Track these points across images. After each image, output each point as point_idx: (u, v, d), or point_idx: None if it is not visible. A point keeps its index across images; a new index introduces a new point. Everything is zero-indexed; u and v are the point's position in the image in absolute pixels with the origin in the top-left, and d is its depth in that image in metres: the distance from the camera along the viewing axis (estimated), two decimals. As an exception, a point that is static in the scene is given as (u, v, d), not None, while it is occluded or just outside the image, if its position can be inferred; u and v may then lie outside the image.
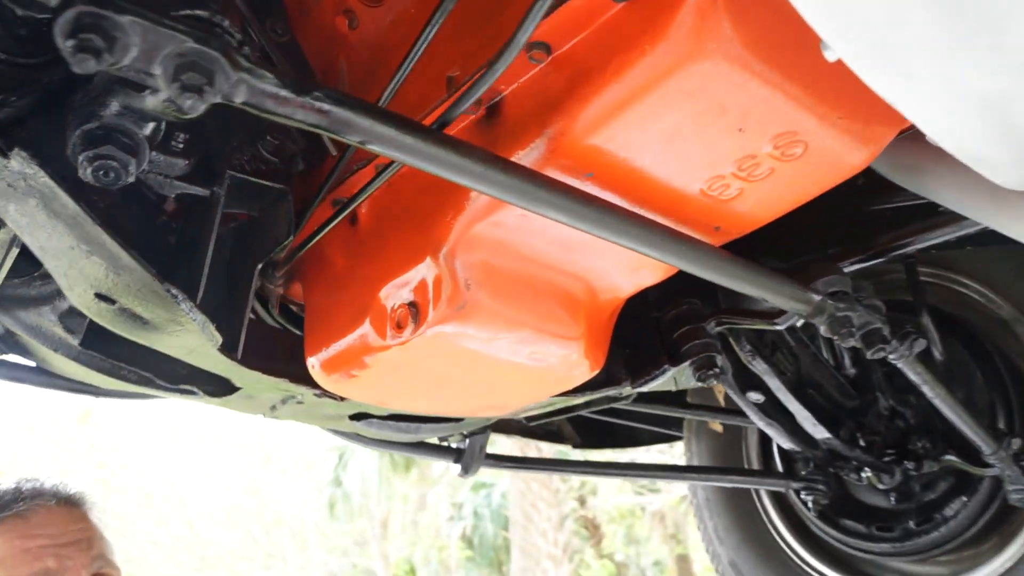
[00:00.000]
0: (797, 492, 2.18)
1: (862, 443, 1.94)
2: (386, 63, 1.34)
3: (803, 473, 2.17)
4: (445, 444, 2.24)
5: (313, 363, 1.43)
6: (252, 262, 1.46)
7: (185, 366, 1.58)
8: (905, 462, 1.93)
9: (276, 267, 1.47)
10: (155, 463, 12.49)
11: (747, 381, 1.74)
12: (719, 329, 1.59)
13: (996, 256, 1.88)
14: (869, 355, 1.43)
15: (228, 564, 12.61)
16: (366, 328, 1.30)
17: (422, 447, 2.18)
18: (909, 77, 0.75)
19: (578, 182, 1.07)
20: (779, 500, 2.26)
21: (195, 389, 1.70)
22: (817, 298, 1.33)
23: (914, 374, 1.56)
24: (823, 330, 1.38)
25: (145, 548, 12.85)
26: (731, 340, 1.68)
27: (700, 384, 1.59)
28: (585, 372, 1.38)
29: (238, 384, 1.66)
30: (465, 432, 2.19)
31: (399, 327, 1.24)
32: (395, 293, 1.25)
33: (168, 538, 12.79)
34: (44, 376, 1.76)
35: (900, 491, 2.03)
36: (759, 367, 1.68)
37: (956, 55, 0.70)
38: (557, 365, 1.34)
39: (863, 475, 1.99)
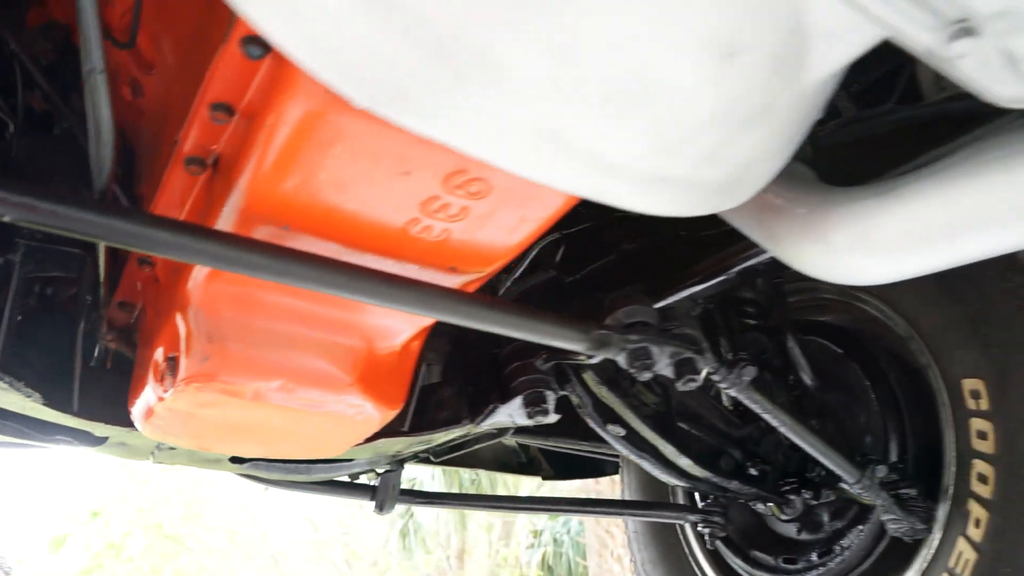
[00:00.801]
0: (695, 525, 2.11)
1: (753, 473, 1.86)
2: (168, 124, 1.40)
3: (700, 506, 2.10)
4: (361, 483, 2.26)
5: (132, 412, 1.48)
6: (74, 321, 1.54)
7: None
8: (803, 491, 1.85)
9: (100, 322, 1.53)
10: (239, 500, 12.91)
11: (610, 414, 1.70)
12: (550, 365, 1.57)
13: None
14: (679, 385, 1.39)
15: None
16: (150, 381, 1.35)
17: (336, 486, 2.21)
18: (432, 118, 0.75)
19: (278, 236, 1.09)
20: (701, 534, 2.18)
21: (69, 439, 1.79)
22: (602, 332, 1.30)
23: (750, 402, 1.51)
24: (620, 362, 1.35)
25: (230, 583, 13.29)
26: (581, 374, 1.65)
27: (531, 422, 1.58)
28: (376, 415, 1.39)
29: (99, 434, 1.73)
30: (377, 470, 2.22)
31: (162, 380, 1.28)
32: (162, 349, 1.29)
33: (254, 573, 13.18)
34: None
35: (807, 521, 1.94)
36: (611, 400, 1.64)
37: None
38: (340, 410, 1.35)
39: (766, 506, 1.91)
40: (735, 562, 2.07)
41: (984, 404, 1.60)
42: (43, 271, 1.45)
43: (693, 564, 2.21)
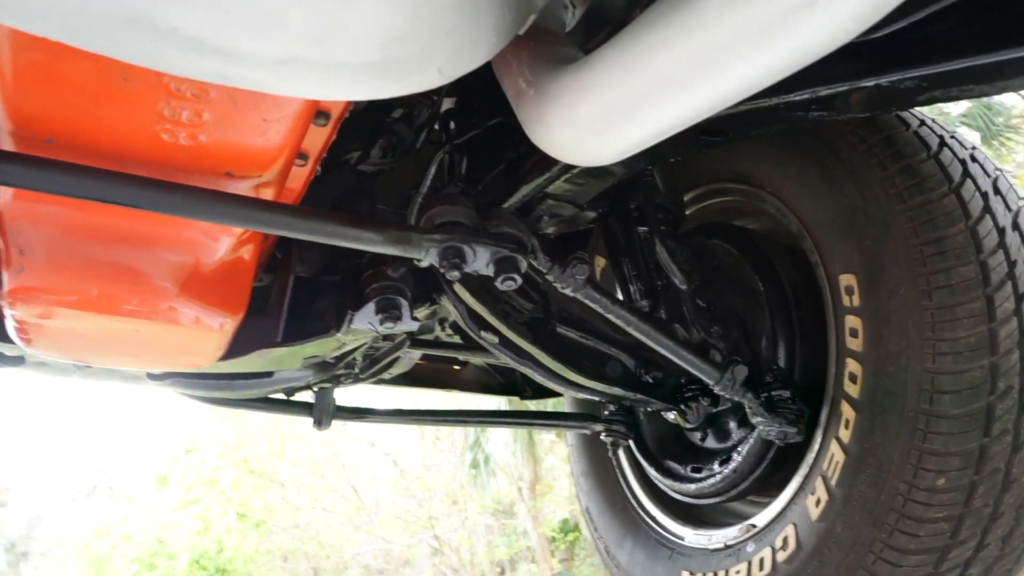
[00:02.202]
0: (597, 434, 2.11)
1: (648, 380, 1.85)
2: None
3: (604, 414, 2.11)
4: (297, 400, 2.36)
5: (6, 330, 1.59)
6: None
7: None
8: (702, 399, 1.83)
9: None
10: (320, 436, 13.46)
11: (482, 321, 1.72)
12: (402, 272, 1.61)
13: (787, 162, 1.74)
14: (498, 284, 1.41)
15: (391, 525, 13.48)
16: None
17: (272, 403, 2.31)
18: None
19: (45, 150, 1.15)
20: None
21: (-2, 363, 1.93)
22: (400, 232, 1.32)
23: (589, 301, 1.51)
24: (432, 261, 1.37)
25: (315, 514, 13.97)
26: (451, 284, 1.68)
27: (383, 328, 1.62)
28: (213, 322, 1.46)
29: (11, 354, 1.87)
30: (313, 387, 2.32)
31: (-3, 294, 1.38)
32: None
33: (337, 503, 13.83)
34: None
35: (714, 430, 1.92)
36: (479, 308, 1.66)
37: None
38: (172, 318, 1.43)
39: (673, 415, 1.91)
40: (651, 472, 2.08)
41: (856, 300, 1.55)
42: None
43: (619, 475, 2.23)
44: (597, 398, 1.90)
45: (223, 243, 1.41)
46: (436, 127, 2.00)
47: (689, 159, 1.92)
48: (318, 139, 1.28)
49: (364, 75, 0.89)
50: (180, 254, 1.39)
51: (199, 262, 1.41)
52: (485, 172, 1.93)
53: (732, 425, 1.91)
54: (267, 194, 1.30)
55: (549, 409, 6.16)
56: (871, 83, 1.10)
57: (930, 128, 1.62)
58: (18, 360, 1.93)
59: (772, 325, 1.75)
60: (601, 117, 0.97)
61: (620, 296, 1.95)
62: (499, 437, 11.39)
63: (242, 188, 1.27)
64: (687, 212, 2.02)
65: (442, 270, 1.36)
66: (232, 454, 13.97)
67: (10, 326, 1.51)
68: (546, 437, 11.52)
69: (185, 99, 1.08)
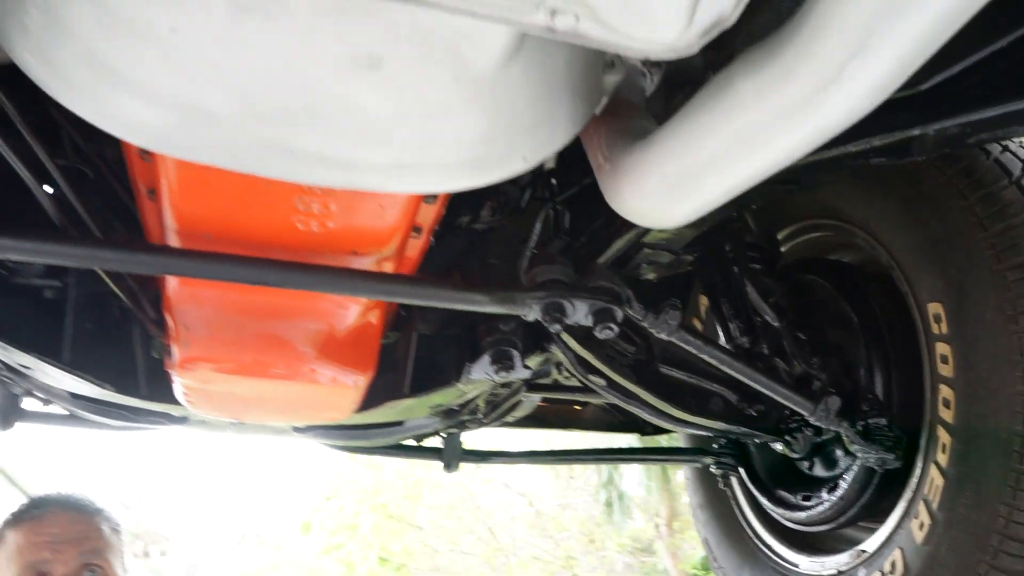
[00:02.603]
0: (707, 467, 2.19)
1: (752, 414, 1.94)
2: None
3: (714, 447, 2.19)
4: (427, 446, 2.56)
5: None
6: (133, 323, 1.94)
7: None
8: (805, 429, 1.91)
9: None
10: (455, 479, 13.76)
11: (589, 366, 1.87)
12: (513, 325, 1.78)
13: (872, 197, 1.82)
14: (597, 333, 1.55)
15: (528, 566, 13.58)
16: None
17: (404, 449, 2.52)
18: None
19: (205, 243, 1.39)
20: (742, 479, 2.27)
21: (160, 421, 2.22)
22: (504, 293, 1.50)
23: (683, 343, 1.63)
24: (536, 317, 1.53)
25: (453, 556, 14.23)
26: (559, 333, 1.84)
27: (499, 377, 1.79)
28: (347, 380, 1.67)
29: (176, 415, 2.14)
30: (441, 432, 2.51)
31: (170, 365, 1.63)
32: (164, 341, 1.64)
33: (474, 545, 14.04)
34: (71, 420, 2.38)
35: (822, 458, 1.99)
36: (585, 353, 1.81)
37: None
38: (313, 378, 1.64)
39: (776, 446, 1.98)
40: (764, 501, 2.16)
41: (944, 328, 1.62)
42: (95, 289, 1.84)
43: (734, 506, 2.31)
44: (704, 433, 2.00)
45: (353, 311, 1.62)
46: (539, 186, 2.17)
47: (777, 201, 2.02)
48: (429, 214, 1.47)
49: (460, 171, 1.07)
50: (317, 323, 1.61)
51: (333, 328, 1.62)
52: (586, 225, 2.09)
53: (838, 453, 1.97)
54: (388, 267, 1.50)
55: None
56: (919, 132, 1.20)
57: (1013, 154, 1.67)
58: (183, 419, 2.21)
59: (868, 355, 1.82)
60: (665, 189, 1.12)
61: (722, 334, 2.05)
62: (632, 474, 11.37)
63: (366, 263, 1.47)
64: (783, 249, 2.12)
65: (546, 323, 1.52)
66: (371, 500, 14.43)
67: (178, 391, 1.77)
68: (681, 473, 11.42)
69: (315, 195, 1.29)
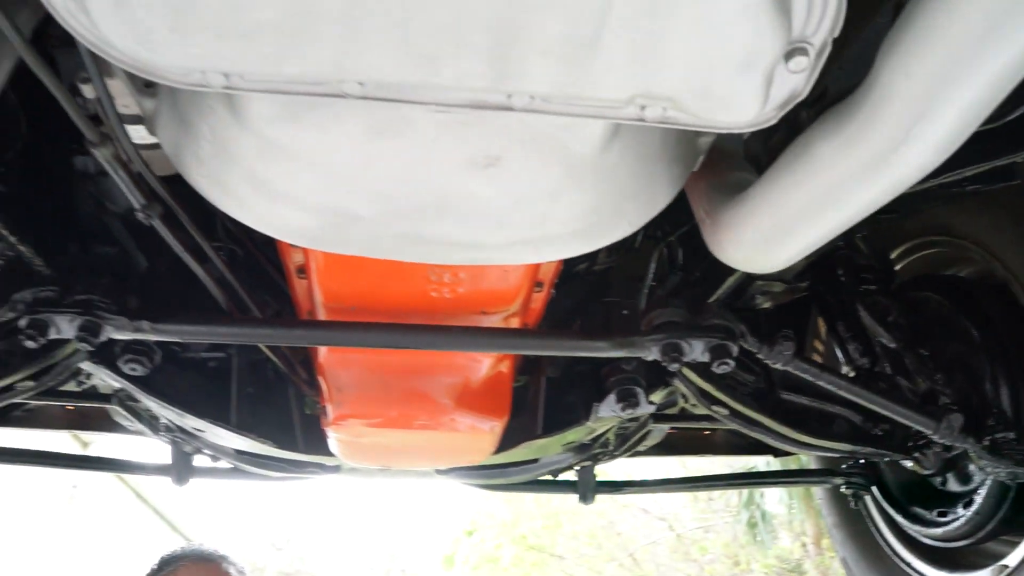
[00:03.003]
0: (838, 487, 2.21)
1: (877, 433, 1.97)
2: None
3: (842, 467, 2.21)
4: (562, 480, 2.69)
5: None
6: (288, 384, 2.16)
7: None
8: (933, 445, 1.93)
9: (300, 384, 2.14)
10: (594, 508, 13.76)
11: (712, 397, 1.96)
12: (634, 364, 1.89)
13: (983, 211, 1.86)
14: (715, 369, 1.66)
15: (674, 594, 13.44)
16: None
17: (541, 484, 2.66)
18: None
19: (350, 314, 1.58)
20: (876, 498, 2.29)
21: (316, 471, 2.44)
22: (622, 339, 1.62)
23: (799, 372, 1.70)
24: (655, 357, 1.65)
25: (595, 585, 14.22)
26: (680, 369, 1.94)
27: (625, 414, 1.90)
28: (485, 426, 1.83)
29: (330, 464, 2.35)
30: (574, 467, 2.64)
31: (326, 423, 1.83)
32: (319, 403, 1.84)
33: (616, 572, 14.00)
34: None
35: (955, 473, 2.00)
36: (706, 386, 1.91)
37: None
38: (454, 426, 1.81)
39: (906, 463, 2.01)
40: (899, 519, 2.18)
41: (1065, 338, 1.64)
42: (253, 357, 2.07)
43: (870, 524, 2.33)
44: (831, 454, 2.05)
45: (485, 363, 1.78)
46: (652, 225, 2.28)
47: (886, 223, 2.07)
48: (549, 270, 1.61)
49: (572, 241, 1.21)
50: (454, 376, 1.77)
51: (469, 380, 1.78)
52: (700, 260, 2.19)
53: (971, 468, 1.99)
54: (514, 322, 1.65)
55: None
56: (1004, 161, 1.26)
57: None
58: (336, 468, 2.42)
59: (991, 368, 1.84)
60: (762, 241, 1.22)
61: (842, 356, 2.11)
62: (773, 492, 11.11)
63: (494, 321, 1.63)
64: (897, 267, 2.16)
65: (664, 364, 1.64)
66: (511, 531, 14.63)
67: (333, 445, 1.96)
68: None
69: (446, 267, 1.45)
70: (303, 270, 1.62)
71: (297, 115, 1.04)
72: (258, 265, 1.90)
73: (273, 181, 1.12)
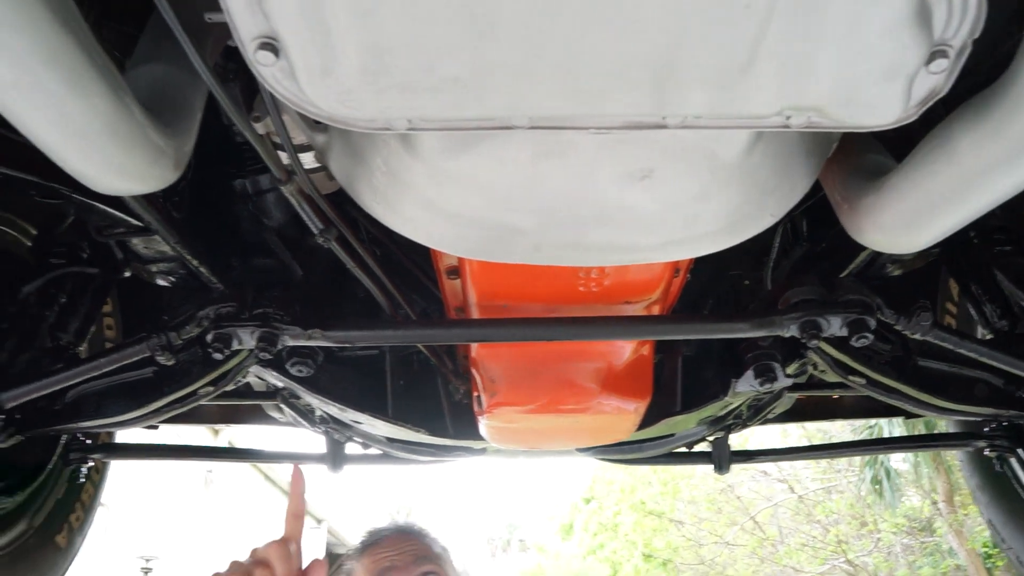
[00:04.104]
0: (981, 451, 2.22)
1: (1021, 396, 1.99)
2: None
3: (985, 430, 2.22)
4: (697, 452, 2.78)
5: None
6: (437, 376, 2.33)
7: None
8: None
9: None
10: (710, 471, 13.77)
11: (848, 368, 2.01)
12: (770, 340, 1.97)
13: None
14: (853, 343, 1.72)
15: (797, 554, 13.36)
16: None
17: (676, 457, 2.77)
18: None
19: (502, 311, 1.71)
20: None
21: (463, 454, 2.61)
22: (761, 319, 1.70)
23: (939, 341, 1.75)
24: (794, 334, 1.73)
25: (718, 548, 14.25)
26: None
27: (763, 389, 1.98)
28: (629, 406, 1.94)
29: (476, 448, 2.51)
30: (708, 438, 2.73)
31: (479, 411, 1.98)
32: (472, 392, 1.99)
33: (738, 536, 14.00)
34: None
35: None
36: (843, 358, 1.97)
37: None
38: (600, 408, 1.93)
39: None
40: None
41: None
42: (403, 352, 2.24)
43: (1016, 485, 2.34)
44: (973, 419, 2.09)
45: (628, 348, 1.88)
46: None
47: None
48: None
49: (719, 237, 1.31)
50: (599, 362, 1.89)
51: (613, 365, 1.90)
52: (826, 231, 2.24)
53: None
54: (656, 308, 1.75)
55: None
56: None
57: None
58: (481, 451, 2.58)
59: None
60: (903, 226, 1.29)
61: (978, 318, 2.13)
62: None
63: (636, 309, 1.73)
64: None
65: (803, 340, 1.71)
66: (628, 498, 14.81)
67: (485, 431, 2.11)
68: (953, 442, 10.81)
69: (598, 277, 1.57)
70: (454, 272, 1.76)
71: (468, 145, 1.16)
72: (401, 267, 2.05)
73: (444, 203, 1.25)
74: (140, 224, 1.81)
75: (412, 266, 2.02)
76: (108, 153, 1.09)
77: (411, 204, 1.29)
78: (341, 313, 2.03)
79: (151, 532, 10.69)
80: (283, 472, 12.45)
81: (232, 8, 0.89)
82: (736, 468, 2.75)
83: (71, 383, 1.89)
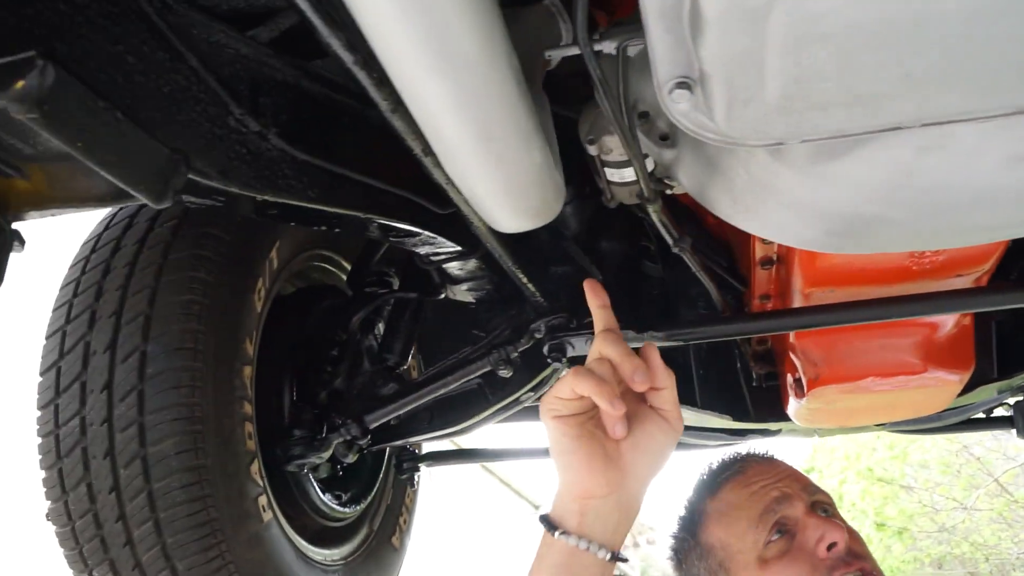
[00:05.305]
0: None
1: None
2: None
3: None
4: (996, 417, 2.73)
5: (787, 412, 2.28)
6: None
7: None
8: None
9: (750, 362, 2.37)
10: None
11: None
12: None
13: None
14: None
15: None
16: (791, 396, 2.13)
17: (973, 423, 2.73)
18: None
19: (826, 296, 1.78)
20: None
21: (757, 435, 2.69)
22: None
23: None
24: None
25: (957, 514, 13.50)
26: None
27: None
28: (952, 378, 1.95)
29: (773, 429, 2.58)
30: (1006, 403, 2.68)
31: (798, 394, 2.05)
32: (790, 376, 2.06)
33: (980, 501, 13.23)
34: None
35: None
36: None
37: None
38: (923, 383, 1.95)
39: None
40: None
41: None
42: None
43: None
44: None
45: (950, 320, 1.90)
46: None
47: None
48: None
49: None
50: (922, 335, 1.91)
51: (936, 337, 1.92)
52: None
53: None
54: (983, 280, 1.76)
55: None
56: None
57: None
58: (776, 432, 2.64)
59: None
60: None
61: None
62: None
63: (965, 282, 1.75)
64: None
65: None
66: (854, 465, 14.30)
67: (801, 412, 2.18)
68: None
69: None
70: (767, 261, 1.84)
71: (845, 148, 1.24)
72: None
73: (815, 205, 1.33)
74: (463, 250, 1.99)
75: (713, 257, 2.11)
76: (530, 197, 1.24)
77: (773, 208, 1.38)
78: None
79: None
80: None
81: (658, 53, 1.00)
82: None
83: (424, 401, 2.12)
